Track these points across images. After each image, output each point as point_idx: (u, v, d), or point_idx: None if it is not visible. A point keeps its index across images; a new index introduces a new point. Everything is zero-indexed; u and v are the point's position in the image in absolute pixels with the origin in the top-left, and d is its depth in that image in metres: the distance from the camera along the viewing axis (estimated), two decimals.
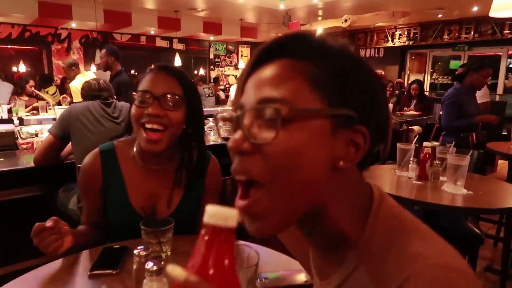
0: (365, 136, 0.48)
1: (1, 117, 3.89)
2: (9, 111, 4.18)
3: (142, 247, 0.86)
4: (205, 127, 3.65)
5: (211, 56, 11.18)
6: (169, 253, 1.03)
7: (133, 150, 1.20)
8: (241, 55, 11.81)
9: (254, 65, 0.52)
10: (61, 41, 8.54)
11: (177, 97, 1.10)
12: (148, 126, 1.08)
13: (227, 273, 0.35)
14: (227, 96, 8.53)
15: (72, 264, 1.01)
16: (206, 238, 0.36)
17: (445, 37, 8.32)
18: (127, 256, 1.01)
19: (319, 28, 8.15)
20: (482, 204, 1.68)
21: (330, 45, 0.51)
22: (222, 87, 9.62)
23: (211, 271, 0.35)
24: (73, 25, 8.00)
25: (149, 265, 0.76)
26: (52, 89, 6.12)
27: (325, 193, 0.49)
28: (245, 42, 11.34)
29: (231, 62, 11.63)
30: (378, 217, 0.50)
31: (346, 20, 6.71)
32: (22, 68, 8.03)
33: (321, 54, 0.49)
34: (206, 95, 7.13)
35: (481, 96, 4.54)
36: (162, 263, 0.77)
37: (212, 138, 3.16)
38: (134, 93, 5.41)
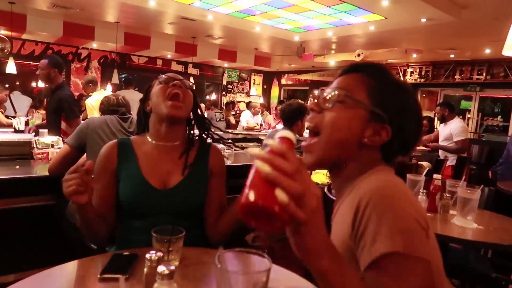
0: (388, 132, 0.78)
1: (18, 128, 4.00)
2: (26, 123, 4.29)
3: (153, 252, 0.87)
4: None
5: (224, 82, 11.42)
6: (177, 263, 1.04)
7: (146, 138, 1.37)
8: (253, 83, 12.03)
9: (342, 73, 0.86)
10: (81, 60, 8.85)
11: (190, 84, 1.37)
12: (173, 91, 1.28)
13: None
14: (237, 122, 8.63)
15: (83, 267, 1.03)
16: (283, 142, 0.56)
17: (457, 77, 8.41)
18: (137, 262, 1.02)
19: (331, 61, 8.32)
20: (493, 239, 1.66)
21: (391, 75, 0.83)
22: (233, 113, 9.76)
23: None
24: (94, 45, 8.31)
25: (161, 268, 0.77)
26: None
27: (351, 155, 0.80)
28: (258, 71, 11.59)
29: (243, 89, 11.84)
30: (372, 171, 0.79)
31: (359, 55, 6.85)
32: (41, 83, 8.28)
33: (382, 78, 0.82)
34: (217, 119, 7.22)
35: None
36: (173, 267, 0.78)
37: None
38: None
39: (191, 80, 7.66)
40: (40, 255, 2.32)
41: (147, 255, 0.85)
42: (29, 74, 8.77)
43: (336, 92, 0.79)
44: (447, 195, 1.93)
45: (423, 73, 9.05)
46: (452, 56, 7.78)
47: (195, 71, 10.23)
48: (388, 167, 0.82)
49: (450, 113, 4.65)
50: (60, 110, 3.17)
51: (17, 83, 8.61)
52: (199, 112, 1.46)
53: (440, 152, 4.81)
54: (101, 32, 7.33)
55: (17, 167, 2.38)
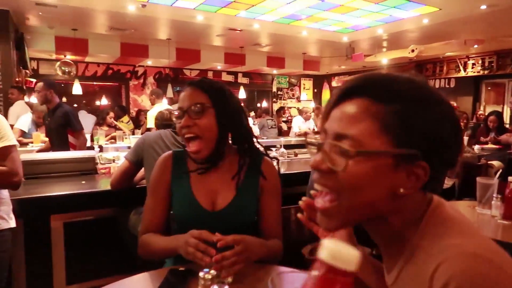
0: (425, 169, 0.56)
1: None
2: (92, 139, 4.62)
3: (207, 270, 0.86)
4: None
5: (274, 89, 11.45)
6: (230, 279, 1.02)
7: None
8: (304, 88, 11.93)
9: (339, 98, 0.62)
10: (138, 77, 9.37)
11: (200, 105, 1.22)
12: (186, 136, 1.22)
13: None
14: (289, 128, 8.57)
15: (140, 284, 1.05)
16: (321, 277, 0.32)
17: None
18: (192, 279, 1.02)
19: (383, 59, 7.99)
20: None
21: (406, 89, 0.58)
22: (284, 119, 9.73)
23: None
24: (149, 62, 8.77)
25: None
26: (126, 118, 6.78)
27: (387, 210, 0.60)
28: (308, 75, 11.47)
29: (293, 95, 11.78)
30: (429, 221, 0.60)
31: (413, 50, 6.50)
32: (104, 101, 8.92)
33: (395, 98, 0.57)
34: (269, 127, 7.23)
35: None
36: (227, 287, 0.76)
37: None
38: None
39: (242, 92, 7.74)
40: (106, 265, 2.45)
41: (201, 274, 0.84)
42: (93, 93, 9.49)
43: (343, 147, 0.56)
44: None
45: (486, 64, 8.36)
46: None
47: (245, 80, 10.38)
48: (450, 207, 0.62)
49: None
50: (67, 124, 3.43)
51: (84, 101, 9.35)
52: (232, 122, 1.28)
53: None
54: (155, 49, 7.71)
55: (83, 182, 2.54)
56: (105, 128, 5.59)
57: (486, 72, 8.37)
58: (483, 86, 8.85)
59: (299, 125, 7.50)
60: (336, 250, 0.33)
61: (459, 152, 0.60)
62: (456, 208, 0.63)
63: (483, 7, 4.77)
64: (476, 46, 7.02)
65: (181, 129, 1.23)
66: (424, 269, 0.54)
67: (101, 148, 4.10)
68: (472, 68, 8.62)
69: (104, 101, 8.96)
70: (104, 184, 2.52)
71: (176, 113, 1.26)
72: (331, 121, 0.61)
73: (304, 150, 5.19)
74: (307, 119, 7.55)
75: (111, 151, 3.88)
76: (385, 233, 0.63)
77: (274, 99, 11.46)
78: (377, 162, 0.56)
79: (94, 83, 9.24)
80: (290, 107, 11.55)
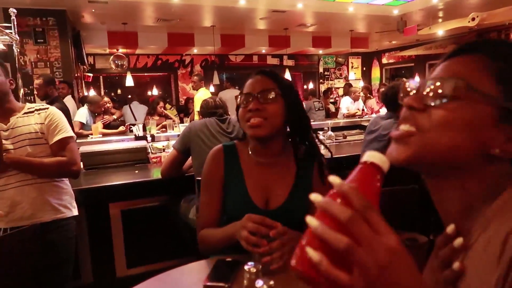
0: None
1: (138, 134, 4.51)
2: (144, 129, 4.82)
3: (252, 263, 0.85)
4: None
5: (321, 70, 11.15)
6: (281, 262, 1.00)
7: (248, 149, 1.32)
8: (352, 67, 11.48)
9: (450, 55, 0.59)
10: (185, 66, 9.59)
11: (272, 92, 1.21)
12: (251, 121, 1.20)
13: (373, 199, 0.43)
14: (337, 109, 8.33)
15: (189, 273, 1.07)
16: (362, 170, 0.45)
17: None
18: (239, 270, 1.02)
19: (439, 31, 7.42)
20: None
21: None
22: (332, 100, 9.46)
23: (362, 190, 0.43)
24: (195, 50, 8.90)
25: (259, 283, 0.74)
26: (168, 105, 7.16)
27: (468, 168, 0.54)
28: (356, 53, 11.01)
29: (341, 75, 11.40)
30: (508, 197, 0.53)
31: (473, 19, 5.94)
32: (155, 92, 9.26)
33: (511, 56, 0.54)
34: (316, 109, 7.07)
35: None
36: (272, 282, 0.74)
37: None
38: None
39: (287, 74, 7.63)
40: (162, 250, 2.57)
41: (246, 267, 0.83)
42: (144, 84, 9.88)
43: (451, 83, 0.52)
44: None
45: None
46: None
47: (290, 62, 10.19)
48: None
49: None
50: None
51: (137, 93, 9.76)
52: (297, 116, 1.27)
53: None
54: (200, 37, 7.80)
55: (136, 171, 2.66)
56: (156, 117, 5.80)
57: None
58: None
59: (347, 106, 7.25)
60: (376, 153, 0.45)
61: None
62: None
63: None
64: None
65: (248, 112, 1.20)
66: (495, 238, 0.50)
67: (153, 138, 4.27)
68: None
69: (155, 91, 9.30)
70: (155, 173, 2.62)
71: (240, 98, 1.24)
72: (438, 70, 0.59)
73: (353, 131, 5.00)
74: (355, 99, 7.26)
75: (163, 140, 4.03)
76: (457, 205, 0.56)
77: (321, 80, 11.17)
78: (480, 110, 0.51)
79: (145, 74, 9.61)
80: (338, 88, 11.20)
